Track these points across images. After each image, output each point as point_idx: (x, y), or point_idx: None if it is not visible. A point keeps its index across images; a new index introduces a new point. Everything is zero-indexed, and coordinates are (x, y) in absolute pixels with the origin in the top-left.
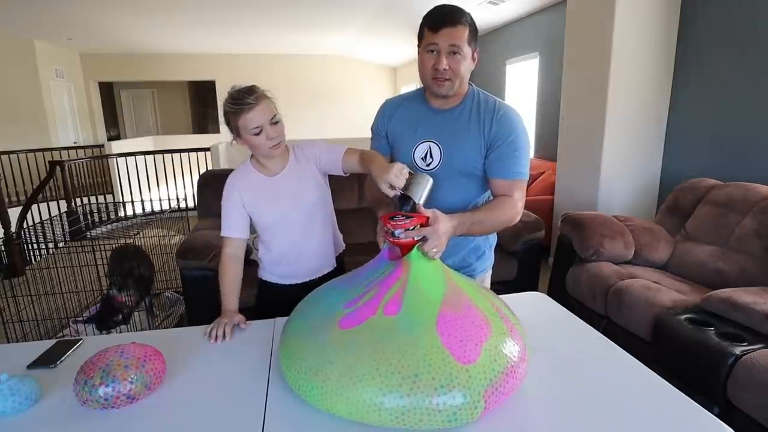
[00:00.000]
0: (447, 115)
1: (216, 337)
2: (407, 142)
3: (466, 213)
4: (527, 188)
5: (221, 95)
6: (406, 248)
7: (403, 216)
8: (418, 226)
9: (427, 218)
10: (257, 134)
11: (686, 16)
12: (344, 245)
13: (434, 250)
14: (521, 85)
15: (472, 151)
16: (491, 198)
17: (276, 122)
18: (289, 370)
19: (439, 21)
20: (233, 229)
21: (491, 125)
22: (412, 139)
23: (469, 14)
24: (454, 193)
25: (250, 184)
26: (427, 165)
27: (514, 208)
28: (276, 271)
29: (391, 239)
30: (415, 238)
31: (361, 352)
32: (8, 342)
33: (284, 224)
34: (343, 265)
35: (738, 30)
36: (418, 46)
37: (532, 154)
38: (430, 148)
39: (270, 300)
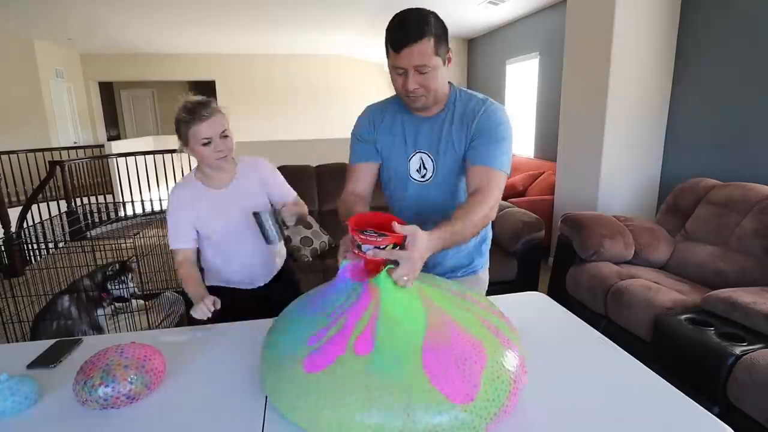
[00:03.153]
0: (432, 122)
1: (208, 310)
2: (400, 155)
3: (444, 228)
4: (524, 182)
5: (221, 95)
6: (373, 265)
7: (375, 233)
8: (392, 246)
9: (404, 238)
10: (205, 144)
11: (686, 16)
12: (285, 257)
13: (405, 278)
14: (521, 85)
15: (460, 155)
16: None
17: (225, 136)
18: (273, 395)
19: (399, 40)
20: (181, 241)
21: (475, 121)
22: (404, 151)
23: (432, 20)
24: (449, 194)
25: (195, 197)
26: (423, 176)
27: (487, 203)
28: (214, 275)
29: (357, 252)
30: (383, 257)
31: (335, 399)
32: (8, 342)
33: (225, 238)
34: (291, 275)
35: (738, 30)
36: (387, 59)
37: (531, 153)
38: (422, 160)
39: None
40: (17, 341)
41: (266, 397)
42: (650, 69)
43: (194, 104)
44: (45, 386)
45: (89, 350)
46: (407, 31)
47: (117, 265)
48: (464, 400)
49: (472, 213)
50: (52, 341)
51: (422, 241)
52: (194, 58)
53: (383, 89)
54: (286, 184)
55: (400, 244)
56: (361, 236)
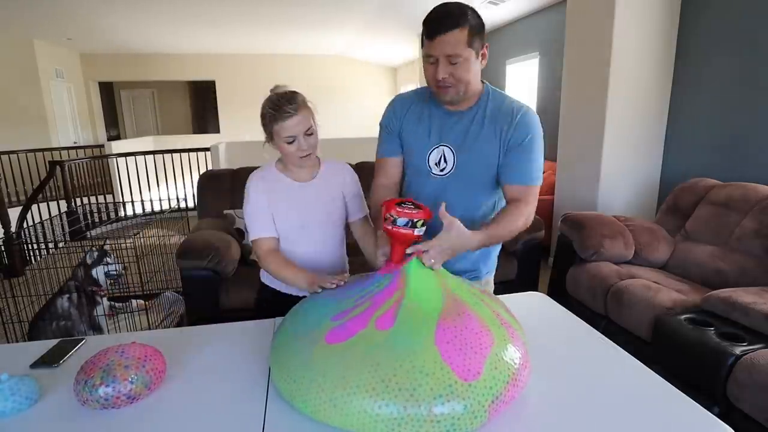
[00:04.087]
0: (461, 117)
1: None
2: (421, 148)
3: (486, 230)
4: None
5: (221, 95)
6: (399, 243)
7: (413, 204)
8: (423, 221)
9: (431, 216)
10: (290, 143)
11: (686, 16)
12: (347, 267)
13: (431, 260)
14: (521, 85)
15: (488, 156)
16: (503, 203)
17: (310, 134)
18: (281, 383)
19: (433, 29)
20: (264, 229)
21: (509, 129)
22: (426, 144)
23: (469, 12)
24: (466, 197)
25: (274, 186)
26: (441, 170)
27: (525, 215)
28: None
29: (390, 228)
30: (415, 233)
31: (353, 364)
32: (8, 342)
33: (300, 233)
34: None
35: (738, 30)
36: (421, 50)
37: None
38: (443, 153)
39: (270, 303)
40: (17, 341)
41: (266, 397)
42: (650, 69)
43: (279, 98)
44: (45, 386)
45: (91, 350)
46: (441, 20)
47: (95, 252)
48: (468, 377)
49: (513, 220)
50: (55, 341)
51: (458, 233)
52: (194, 58)
53: (383, 89)
54: (363, 197)
55: (428, 220)
56: (397, 209)
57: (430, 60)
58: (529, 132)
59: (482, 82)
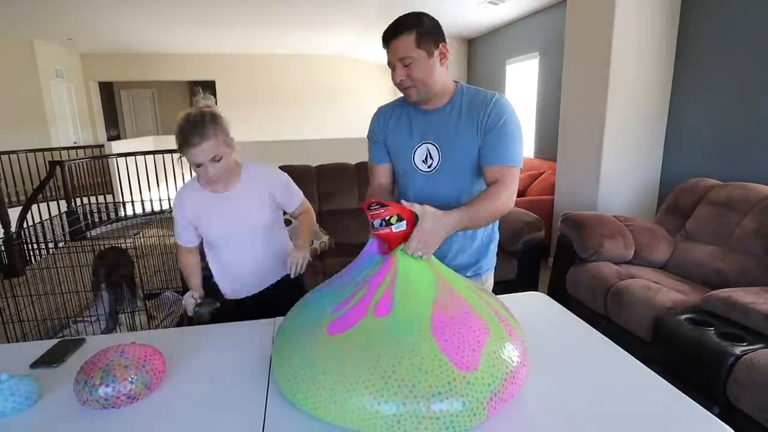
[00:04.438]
0: (438, 114)
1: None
2: (405, 148)
3: (462, 209)
4: (524, 183)
5: (221, 95)
6: (391, 241)
7: (377, 204)
8: (396, 216)
9: (412, 213)
10: (198, 167)
11: (686, 16)
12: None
13: (418, 252)
14: (521, 85)
15: (469, 145)
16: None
17: (218, 160)
18: (282, 380)
19: (386, 38)
20: (182, 238)
21: (485, 115)
22: (410, 144)
23: (416, 18)
24: (455, 186)
25: (195, 200)
26: (429, 166)
27: (505, 192)
28: (224, 286)
29: (375, 231)
30: (393, 230)
31: (354, 359)
32: (8, 342)
33: (226, 242)
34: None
35: (738, 30)
36: None
37: (531, 153)
38: (428, 150)
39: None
40: (17, 341)
41: (266, 397)
42: (650, 69)
43: (188, 124)
44: (45, 386)
45: (91, 350)
46: (391, 28)
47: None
48: (466, 368)
49: (491, 199)
50: (55, 341)
51: (431, 218)
52: (194, 58)
53: (383, 89)
54: (295, 190)
55: (410, 219)
56: (369, 212)
57: (390, 67)
58: (502, 115)
59: (455, 82)
